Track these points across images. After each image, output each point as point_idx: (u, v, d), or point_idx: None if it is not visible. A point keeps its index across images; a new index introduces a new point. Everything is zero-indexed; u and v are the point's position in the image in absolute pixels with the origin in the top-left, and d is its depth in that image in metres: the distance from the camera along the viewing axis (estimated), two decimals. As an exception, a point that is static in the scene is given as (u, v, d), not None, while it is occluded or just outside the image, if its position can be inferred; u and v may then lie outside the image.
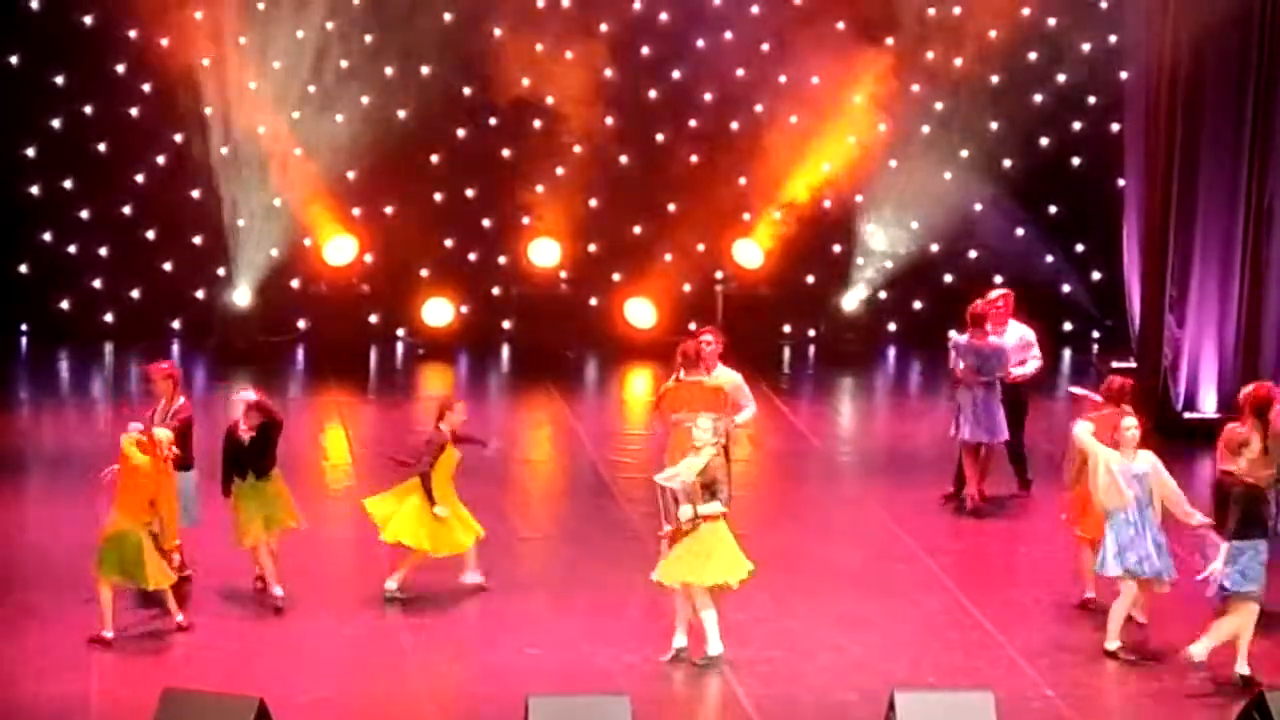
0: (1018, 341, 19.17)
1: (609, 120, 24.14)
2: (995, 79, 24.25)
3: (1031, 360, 19.17)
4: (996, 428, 18.72)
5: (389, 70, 23.51)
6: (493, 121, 24.01)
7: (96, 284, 23.79)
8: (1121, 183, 23.68)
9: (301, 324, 23.74)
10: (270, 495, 16.06)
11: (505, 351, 24.09)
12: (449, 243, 24.19)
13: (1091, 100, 24.58)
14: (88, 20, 23.22)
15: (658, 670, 14.68)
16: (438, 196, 24.08)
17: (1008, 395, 18.88)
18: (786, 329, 24.66)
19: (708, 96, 24.18)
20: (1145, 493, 15.05)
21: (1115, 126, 24.20)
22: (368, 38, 23.33)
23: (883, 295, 24.52)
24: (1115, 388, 16.40)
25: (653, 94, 24.24)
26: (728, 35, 23.95)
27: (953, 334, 19.02)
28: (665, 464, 16.39)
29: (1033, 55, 24.32)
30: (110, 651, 14.96)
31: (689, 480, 14.59)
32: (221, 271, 23.74)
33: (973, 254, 24.44)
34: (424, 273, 24.11)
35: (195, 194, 23.58)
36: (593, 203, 24.33)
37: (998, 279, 22.60)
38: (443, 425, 16.22)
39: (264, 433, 16.00)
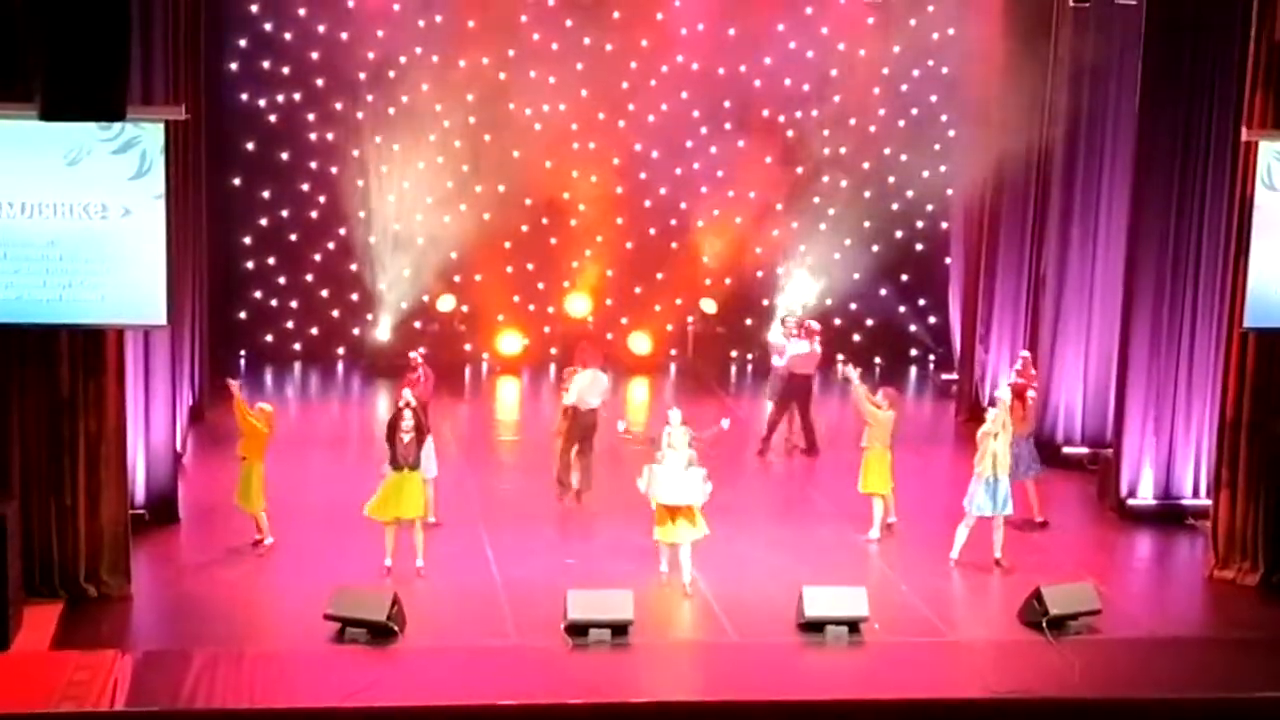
0: (806, 351, 19.48)
1: (619, 220, 24.09)
2: (867, 194, 24.19)
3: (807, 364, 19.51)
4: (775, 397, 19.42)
5: (478, 188, 23.46)
6: (544, 221, 23.87)
7: (289, 325, 23.71)
8: (948, 260, 23.61)
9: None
10: (413, 485, 14.46)
11: (552, 370, 23.81)
12: (516, 298, 24.07)
13: (929, 208, 24.53)
14: (284, 156, 23.24)
15: (651, 576, 14.60)
16: (509, 269, 23.95)
17: (795, 383, 19.29)
18: (733, 353, 24.48)
19: (683, 205, 24.10)
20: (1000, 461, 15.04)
21: (944, 224, 24.16)
22: (464, 168, 23.28)
23: (795, 333, 24.42)
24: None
25: (647, 203, 24.14)
26: (695, 165, 23.91)
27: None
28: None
29: (891, 179, 24.28)
30: (291, 561, 14.92)
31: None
32: (370, 317, 23.64)
33: (853, 305, 24.40)
34: (500, 317, 24.00)
35: (353, 267, 23.53)
36: (609, 273, 24.25)
37: (869, 322, 22.62)
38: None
39: (418, 438, 14.49)
